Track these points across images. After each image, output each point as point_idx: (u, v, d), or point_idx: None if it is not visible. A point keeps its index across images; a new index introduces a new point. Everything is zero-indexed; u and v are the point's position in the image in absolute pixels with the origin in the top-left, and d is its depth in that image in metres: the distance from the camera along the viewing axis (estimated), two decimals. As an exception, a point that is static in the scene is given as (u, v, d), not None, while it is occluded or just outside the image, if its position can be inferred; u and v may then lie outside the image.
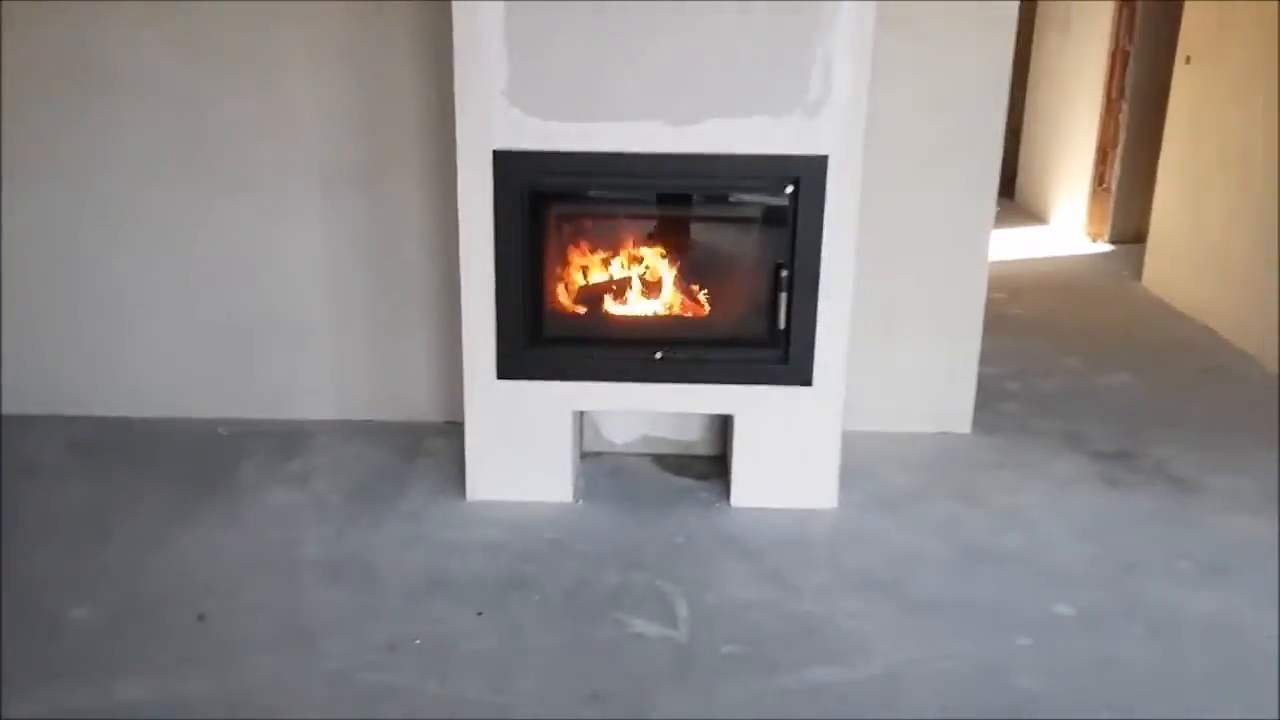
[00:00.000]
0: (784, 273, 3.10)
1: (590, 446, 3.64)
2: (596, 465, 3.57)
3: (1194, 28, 5.52)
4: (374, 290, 3.78)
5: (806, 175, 3.01)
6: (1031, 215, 8.10)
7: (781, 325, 3.14)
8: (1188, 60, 5.55)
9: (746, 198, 3.17)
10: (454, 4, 2.90)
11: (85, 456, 3.60)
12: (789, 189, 3.02)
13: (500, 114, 2.97)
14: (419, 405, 3.84)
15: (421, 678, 2.47)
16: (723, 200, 3.23)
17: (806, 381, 3.20)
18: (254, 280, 3.78)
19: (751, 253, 3.27)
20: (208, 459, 3.57)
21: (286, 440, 3.70)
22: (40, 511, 3.23)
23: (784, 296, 3.12)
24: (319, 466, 3.53)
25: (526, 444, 3.27)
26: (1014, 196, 8.65)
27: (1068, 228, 7.45)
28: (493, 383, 3.20)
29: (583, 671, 2.51)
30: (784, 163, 3.01)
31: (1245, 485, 3.55)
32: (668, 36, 2.92)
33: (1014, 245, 7.20)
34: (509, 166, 3.00)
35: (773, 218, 3.12)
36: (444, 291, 3.63)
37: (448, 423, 3.74)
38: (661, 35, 2.92)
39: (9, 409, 3.85)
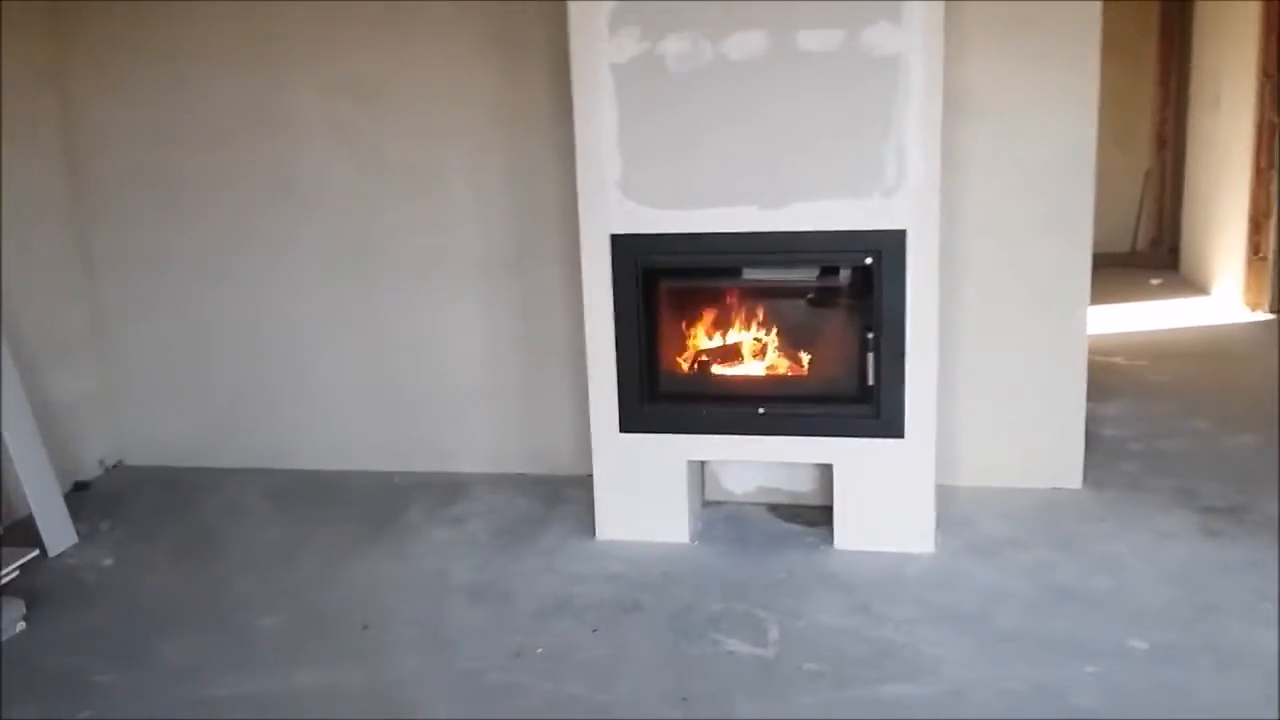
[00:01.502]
0: (871, 335, 3.45)
1: (711, 496, 4.03)
2: (715, 512, 3.95)
3: (1330, 95, 5.56)
4: (521, 360, 4.34)
5: (887, 248, 3.37)
6: (1194, 287, 8.03)
7: (871, 382, 3.48)
8: (1325, 128, 5.57)
9: (836, 267, 3.56)
10: (575, 115, 3.46)
11: (278, 501, 4.26)
12: (869, 260, 3.39)
13: (616, 204, 3.49)
14: (560, 459, 4.34)
15: (539, 679, 2.90)
16: (815, 270, 3.62)
17: (898, 434, 3.50)
18: (422, 353, 4.41)
19: (844, 317, 3.64)
20: (381, 504, 4.16)
21: (448, 489, 4.26)
22: (239, 545, 3.87)
23: (872, 356, 3.47)
24: (473, 511, 4.06)
25: (647, 490, 3.70)
26: (1178, 269, 8.58)
27: (1227, 298, 7.37)
28: (616, 436, 3.67)
29: (677, 679, 2.88)
30: (866, 237, 3.38)
31: (1353, 537, 3.58)
32: (755, 135, 3.37)
33: (1170, 315, 7.19)
34: (624, 248, 3.50)
35: (859, 286, 3.49)
36: (580, 359, 4.12)
37: (586, 475, 4.21)
38: (749, 134, 3.38)
39: (217, 462, 4.59)
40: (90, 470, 4.54)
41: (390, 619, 3.27)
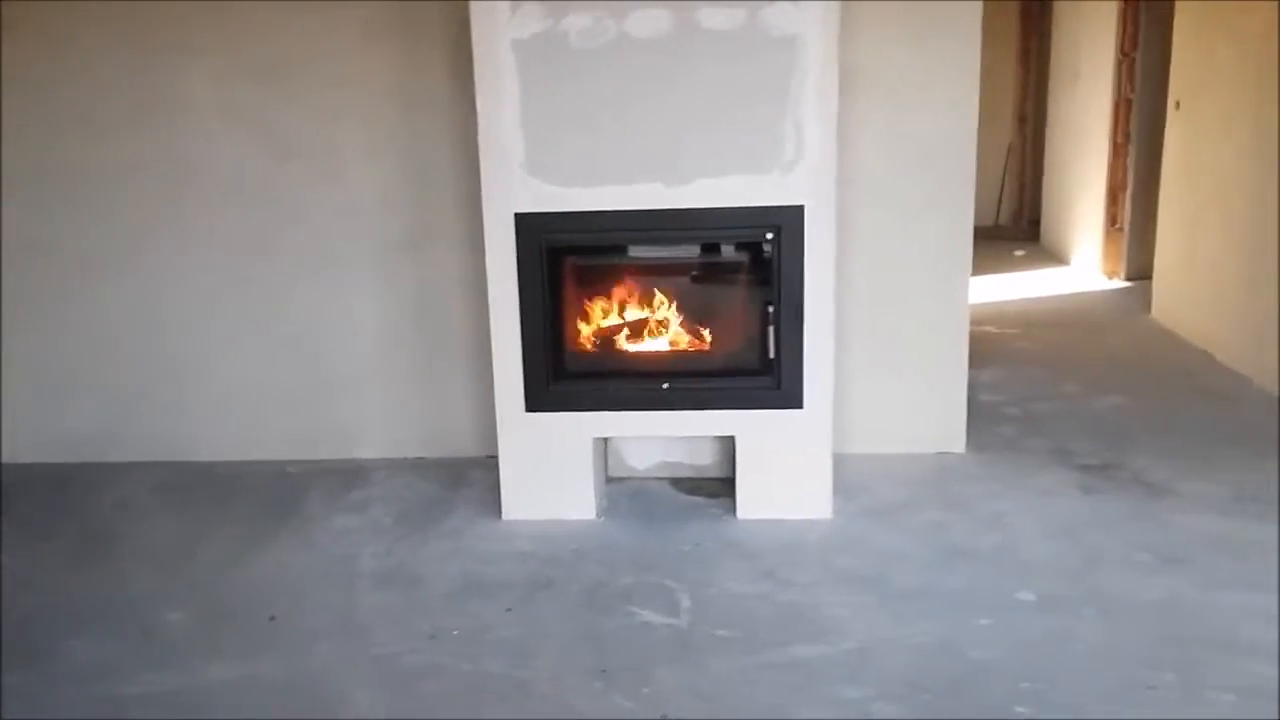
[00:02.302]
0: (771, 308, 3.54)
1: (615, 472, 4.08)
2: (619, 488, 4.00)
3: (1181, 76, 5.90)
4: (419, 343, 4.29)
5: (786, 223, 3.46)
6: (1054, 257, 8.44)
7: (772, 355, 3.57)
8: (1177, 106, 5.92)
9: (736, 243, 3.63)
10: (478, 94, 3.43)
11: (173, 495, 4.13)
12: (770, 235, 3.47)
13: (520, 183, 3.48)
14: (461, 442, 4.31)
15: (456, 659, 2.90)
16: (716, 247, 3.69)
17: (797, 404, 3.61)
18: (319, 339, 4.31)
19: (744, 292, 3.72)
20: (279, 494, 4.07)
21: (347, 476, 4.19)
22: (136, 541, 3.74)
23: (773, 330, 3.55)
24: (375, 497, 4.01)
25: (553, 468, 3.72)
26: (1039, 240, 9.00)
27: (1087, 267, 7.77)
28: (521, 415, 3.67)
29: (595, 652, 2.92)
30: (766, 214, 3.46)
31: (1215, 489, 3.85)
32: (658, 113, 3.41)
33: (1034, 285, 7.55)
34: (529, 226, 3.50)
35: (759, 260, 3.57)
36: (480, 340, 4.10)
37: (488, 456, 4.19)
38: (653, 112, 3.41)
39: (106, 456, 4.42)
40: (-36, 467, 4.32)
41: (299, 608, 3.21)
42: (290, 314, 4.31)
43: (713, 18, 3.31)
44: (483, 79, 3.42)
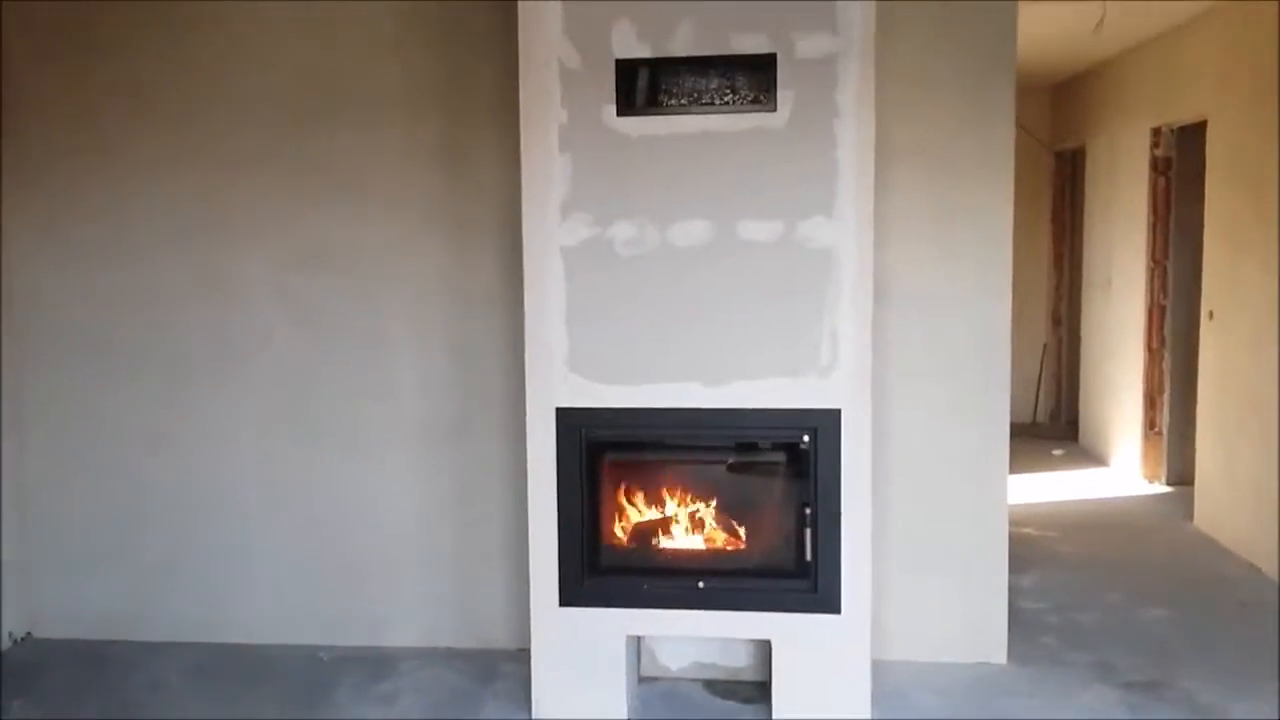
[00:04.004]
0: (808, 510, 3.56)
1: (647, 671, 4.01)
2: (651, 689, 3.93)
3: (1212, 286, 6.01)
4: (456, 531, 4.31)
5: (822, 426, 3.51)
6: (1094, 458, 8.39)
7: (809, 558, 3.56)
8: (1210, 315, 6.00)
9: (773, 444, 3.68)
10: (526, 293, 3.58)
11: (201, 679, 4.10)
12: (806, 438, 3.52)
13: (562, 379, 3.58)
14: (494, 632, 4.27)
15: None
16: (754, 447, 3.74)
17: (835, 609, 3.57)
18: (356, 522, 4.35)
19: (781, 491, 3.74)
20: (309, 682, 4.03)
21: (378, 665, 4.15)
22: (164, 725, 3.72)
23: (809, 532, 3.56)
24: (405, 689, 3.96)
25: (586, 666, 3.67)
26: (1078, 440, 8.97)
27: (1127, 470, 7.71)
28: (555, 610, 3.65)
29: None
30: (803, 416, 3.52)
31: (1269, 711, 3.72)
32: (698, 316, 3.54)
33: (1073, 486, 7.48)
34: (569, 421, 3.58)
35: (796, 459, 3.61)
36: (517, 531, 4.12)
37: (519, 649, 4.14)
38: (693, 315, 3.54)
39: (137, 634, 4.42)
40: (-4, 642, 4.33)
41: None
42: (326, 496, 4.37)
43: (752, 230, 3.47)
44: (531, 280, 3.58)
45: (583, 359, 3.57)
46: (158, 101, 4.29)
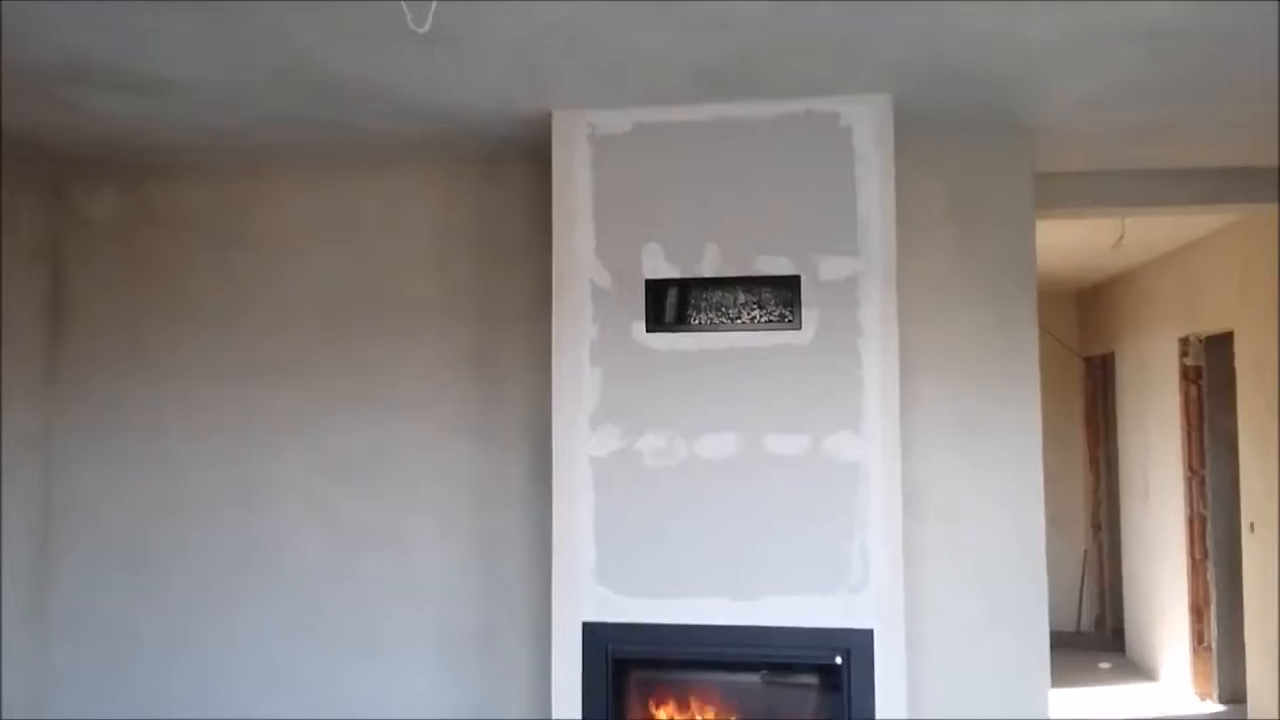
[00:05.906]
0: (841, 732, 3.44)
1: None
2: None
3: (1251, 497, 5.92)
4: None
5: (855, 647, 3.44)
6: (1142, 672, 8.06)
7: (842, 784, 3.42)
8: (1251, 528, 5.89)
9: (804, 665, 3.60)
10: (554, 503, 3.60)
11: None
12: (838, 659, 3.44)
13: (589, 591, 3.56)
14: None
15: None
16: (785, 667, 3.65)
17: (873, 838, 3.40)
18: (376, 730, 4.27)
19: (813, 710, 3.63)
20: None
21: None
22: None
23: (843, 755, 3.43)
24: None
25: None
26: (1125, 651, 8.65)
27: (1177, 685, 7.40)
28: (577, 836, 3.51)
29: None
30: (834, 635, 3.46)
31: None
32: (726, 529, 3.53)
33: (1123, 703, 7.17)
34: (596, 636, 3.53)
35: (827, 677, 3.52)
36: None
37: None
38: (720, 528, 3.54)
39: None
40: None
41: None
42: (345, 701, 4.29)
43: (779, 444, 3.51)
44: (560, 490, 3.61)
45: (610, 570, 3.56)
46: (198, 310, 4.48)
